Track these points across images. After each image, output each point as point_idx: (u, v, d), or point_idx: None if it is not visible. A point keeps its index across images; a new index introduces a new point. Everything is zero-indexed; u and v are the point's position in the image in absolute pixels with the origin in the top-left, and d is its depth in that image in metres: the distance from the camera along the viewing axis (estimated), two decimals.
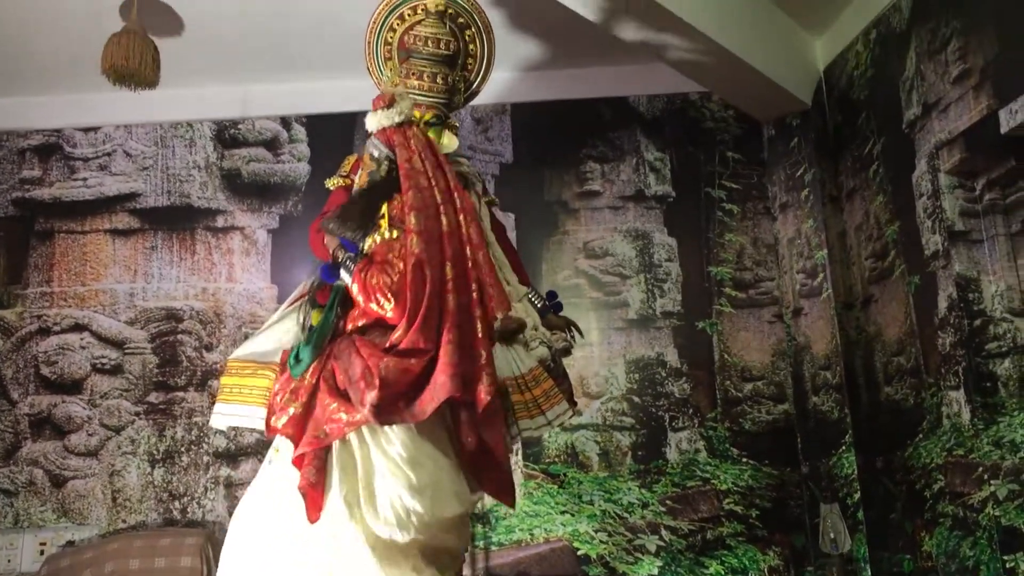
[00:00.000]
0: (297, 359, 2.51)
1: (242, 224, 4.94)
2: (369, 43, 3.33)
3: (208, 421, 4.58)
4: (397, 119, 2.67)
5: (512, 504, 2.67)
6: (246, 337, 3.10)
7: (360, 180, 2.68)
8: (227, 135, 5.04)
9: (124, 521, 4.55)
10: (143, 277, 4.87)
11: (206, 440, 4.64)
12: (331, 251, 2.58)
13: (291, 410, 2.44)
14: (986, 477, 3.29)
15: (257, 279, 4.86)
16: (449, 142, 3.16)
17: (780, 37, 4.42)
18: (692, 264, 4.81)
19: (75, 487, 4.60)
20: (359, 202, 2.62)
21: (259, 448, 4.60)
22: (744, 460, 4.55)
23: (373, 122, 2.68)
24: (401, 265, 2.48)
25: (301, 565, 2.37)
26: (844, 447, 4.12)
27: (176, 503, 4.57)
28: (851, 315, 4.27)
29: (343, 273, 2.53)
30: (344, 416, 2.39)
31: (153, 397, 4.70)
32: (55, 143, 5.05)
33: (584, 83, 4.96)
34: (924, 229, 3.69)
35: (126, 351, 4.76)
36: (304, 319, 2.69)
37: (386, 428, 2.44)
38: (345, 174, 3.26)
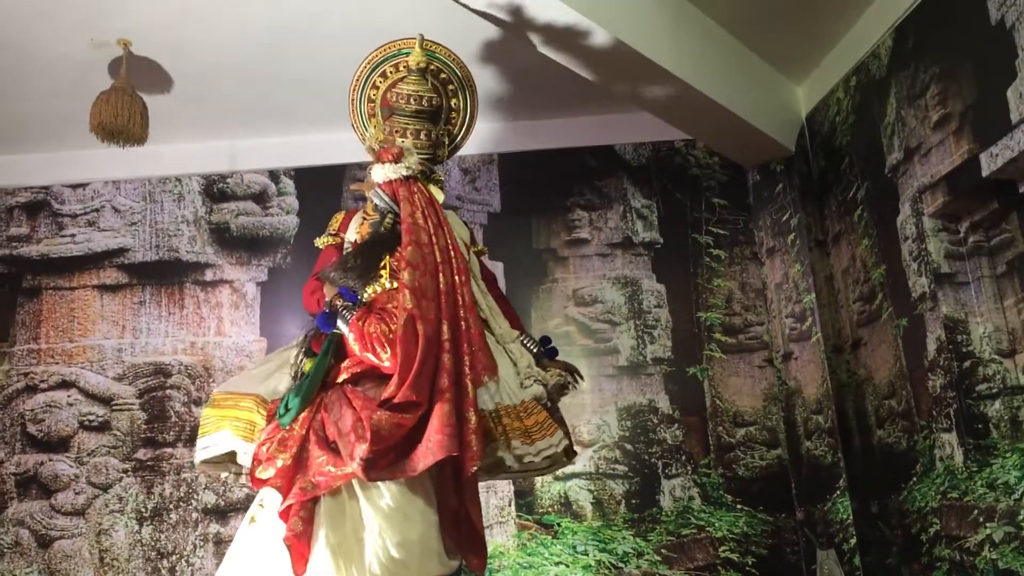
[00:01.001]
0: (286, 408, 2.48)
1: (231, 277, 4.94)
2: (352, 100, 3.39)
3: (198, 476, 4.56)
4: (404, 173, 2.68)
5: (483, 569, 2.62)
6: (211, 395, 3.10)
7: (361, 230, 2.68)
8: (215, 189, 5.06)
9: None
10: (131, 332, 4.84)
11: (195, 496, 4.58)
12: (329, 300, 2.55)
13: (279, 461, 2.41)
14: (981, 520, 3.27)
15: (246, 332, 4.85)
16: (436, 195, 3.19)
17: (762, 84, 4.48)
18: (681, 310, 4.82)
19: (62, 547, 4.53)
20: (362, 252, 2.63)
21: (248, 503, 4.53)
22: (739, 507, 4.52)
23: (380, 174, 2.68)
24: (398, 319, 2.48)
25: None
26: (838, 492, 4.10)
27: (164, 561, 4.50)
28: (841, 358, 4.27)
29: (339, 323, 2.51)
30: (332, 469, 2.36)
31: (141, 454, 4.65)
32: (43, 200, 5.05)
33: (570, 132, 5.01)
34: (910, 272, 3.71)
35: (114, 407, 4.72)
36: (297, 368, 2.67)
37: (381, 485, 2.42)
38: (334, 232, 3.28)
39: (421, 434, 2.38)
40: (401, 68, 3.33)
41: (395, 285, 2.56)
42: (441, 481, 2.52)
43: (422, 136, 3.14)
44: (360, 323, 2.49)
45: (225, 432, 2.83)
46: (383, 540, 2.36)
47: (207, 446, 2.91)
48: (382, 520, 2.39)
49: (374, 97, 3.37)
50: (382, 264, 2.63)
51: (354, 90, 3.40)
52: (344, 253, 2.72)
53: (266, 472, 2.42)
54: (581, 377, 3.09)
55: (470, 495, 2.55)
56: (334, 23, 4.02)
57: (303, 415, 2.49)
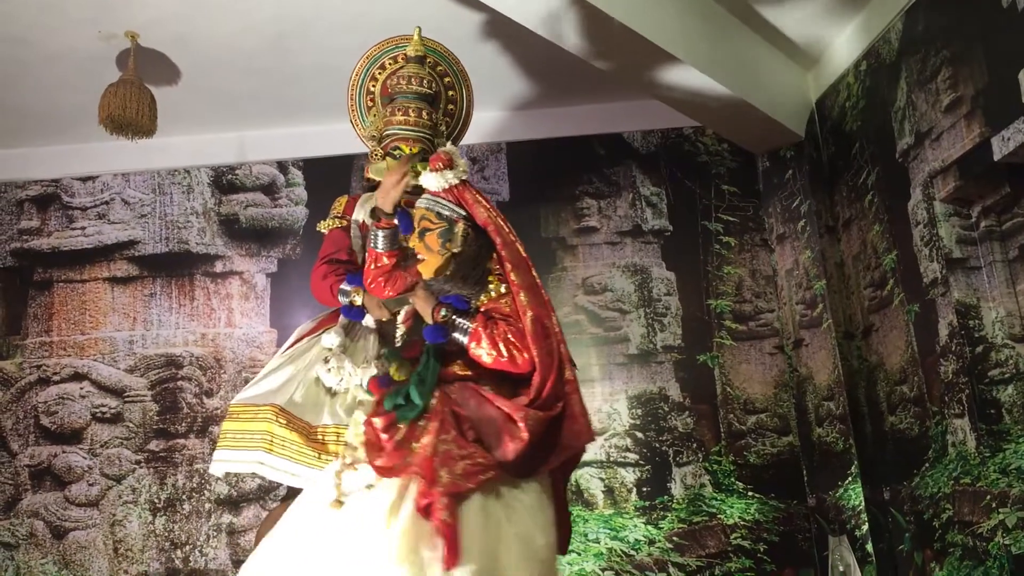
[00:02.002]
0: (407, 401, 2.46)
1: (241, 269, 4.95)
2: (351, 96, 3.46)
3: (209, 468, 4.58)
4: (463, 176, 2.68)
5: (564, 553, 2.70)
6: (246, 382, 3.11)
7: (430, 241, 2.63)
8: (224, 181, 5.07)
9: (126, 572, 4.50)
10: (142, 324, 4.86)
11: (208, 487, 4.61)
12: (432, 311, 2.53)
13: (412, 454, 2.38)
14: (994, 505, 3.26)
15: (256, 323, 4.86)
16: None
17: (771, 70, 4.45)
18: (691, 298, 4.81)
19: (76, 538, 4.56)
20: (470, 262, 2.62)
21: (261, 494, 4.57)
22: (750, 494, 4.52)
23: (438, 181, 2.64)
24: (524, 319, 2.50)
25: None
26: (850, 478, 4.09)
27: (178, 552, 4.53)
28: (852, 345, 4.26)
29: (457, 334, 2.49)
30: (483, 463, 2.36)
31: (154, 445, 4.67)
32: (53, 193, 5.07)
33: (579, 120, 4.99)
34: (922, 257, 3.69)
35: (126, 399, 4.74)
36: (384, 370, 2.64)
37: (520, 483, 2.44)
38: (339, 215, 3.30)
39: (559, 427, 2.45)
40: (400, 59, 3.44)
41: (503, 290, 2.57)
42: (554, 477, 2.58)
43: (423, 115, 3.24)
44: (489, 330, 2.48)
45: (248, 453, 2.86)
46: (527, 544, 2.36)
47: (227, 460, 2.94)
48: (527, 518, 2.40)
49: (373, 89, 3.45)
50: (488, 269, 2.63)
51: (353, 86, 3.47)
52: (453, 263, 2.69)
53: (391, 462, 2.40)
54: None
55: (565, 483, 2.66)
56: (340, 13, 4.02)
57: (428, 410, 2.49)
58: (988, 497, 3.30)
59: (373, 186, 3.39)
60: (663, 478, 4.55)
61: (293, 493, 4.28)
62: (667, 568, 4.39)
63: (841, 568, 3.99)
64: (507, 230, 2.67)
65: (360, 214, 3.31)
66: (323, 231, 3.35)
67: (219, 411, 4.64)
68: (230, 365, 4.78)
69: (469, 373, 2.55)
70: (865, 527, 3.99)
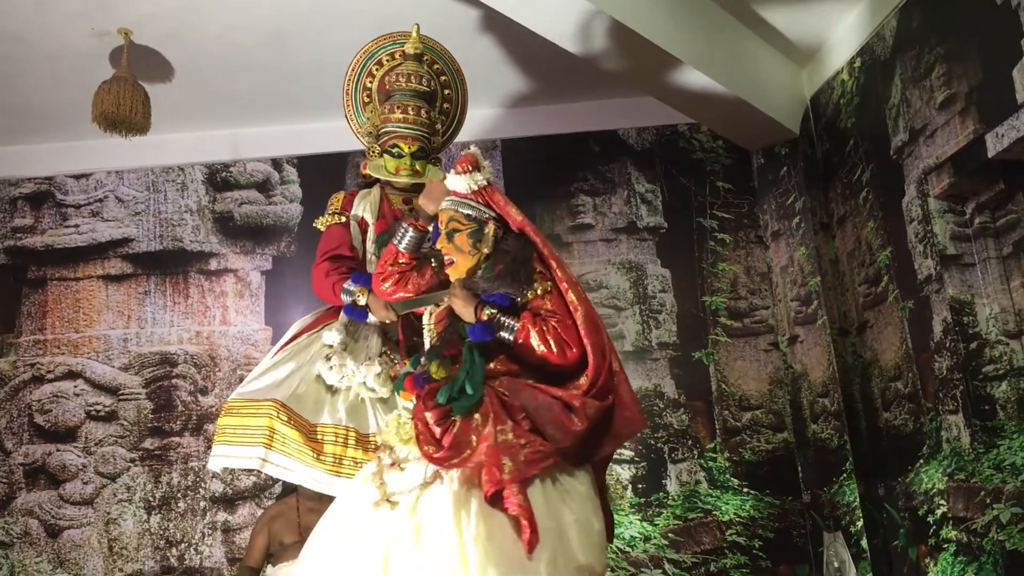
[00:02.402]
0: (460, 393, 2.48)
1: (235, 266, 4.94)
2: (347, 92, 3.47)
3: (206, 464, 4.57)
4: (491, 178, 2.71)
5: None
6: (241, 380, 3.10)
7: (459, 242, 2.66)
8: (219, 178, 5.06)
9: (121, 570, 4.49)
10: (136, 322, 4.85)
11: (203, 485, 4.60)
12: (474, 309, 2.56)
13: (470, 446, 2.41)
14: (988, 501, 3.27)
15: (251, 321, 4.85)
16: (434, 176, 3.26)
17: (766, 67, 4.46)
18: (686, 294, 4.82)
19: (71, 537, 4.55)
20: (518, 261, 2.64)
21: (256, 492, 4.56)
22: (745, 490, 4.52)
23: (466, 183, 2.66)
24: (576, 315, 2.55)
25: None
26: (845, 474, 4.10)
27: (173, 550, 4.52)
28: (847, 341, 4.27)
29: (503, 333, 2.53)
30: (542, 449, 2.41)
31: (148, 443, 4.66)
32: (47, 191, 5.05)
33: (573, 117, 4.99)
34: (916, 254, 3.70)
35: (120, 397, 4.73)
36: (425, 371, 2.65)
37: (575, 471, 2.50)
38: (337, 211, 3.29)
39: (611, 416, 2.54)
40: (397, 56, 3.43)
41: (548, 287, 2.60)
42: (596, 468, 2.64)
43: (422, 113, 3.27)
44: (539, 327, 2.52)
45: (248, 449, 2.84)
46: (586, 529, 2.43)
47: (226, 456, 2.92)
48: (584, 505, 2.46)
49: (370, 85, 3.46)
50: (532, 267, 2.66)
51: (349, 81, 3.47)
52: (498, 264, 2.68)
53: (452, 455, 2.41)
54: None
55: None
56: (335, 10, 4.01)
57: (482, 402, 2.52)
58: (982, 493, 3.31)
59: (369, 182, 3.39)
60: (658, 475, 4.55)
61: (288, 491, 4.30)
62: (662, 564, 4.40)
63: (836, 564, 4.00)
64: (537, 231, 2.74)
65: (360, 210, 3.30)
66: (320, 228, 3.34)
67: (214, 409, 4.63)
68: (225, 363, 4.77)
69: (514, 368, 2.59)
70: (860, 523, 4.00)
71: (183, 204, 5.02)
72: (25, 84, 4.44)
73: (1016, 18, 3.04)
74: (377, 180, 3.35)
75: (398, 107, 3.26)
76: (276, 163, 5.07)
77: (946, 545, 3.52)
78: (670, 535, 4.46)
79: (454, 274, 2.69)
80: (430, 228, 2.82)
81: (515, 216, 2.68)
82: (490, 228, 2.66)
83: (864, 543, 3.97)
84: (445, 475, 2.43)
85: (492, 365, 2.58)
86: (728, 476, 4.55)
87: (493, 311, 2.55)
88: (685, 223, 4.91)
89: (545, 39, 3.76)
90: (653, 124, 5.02)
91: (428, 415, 2.48)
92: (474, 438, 2.42)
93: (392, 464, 2.55)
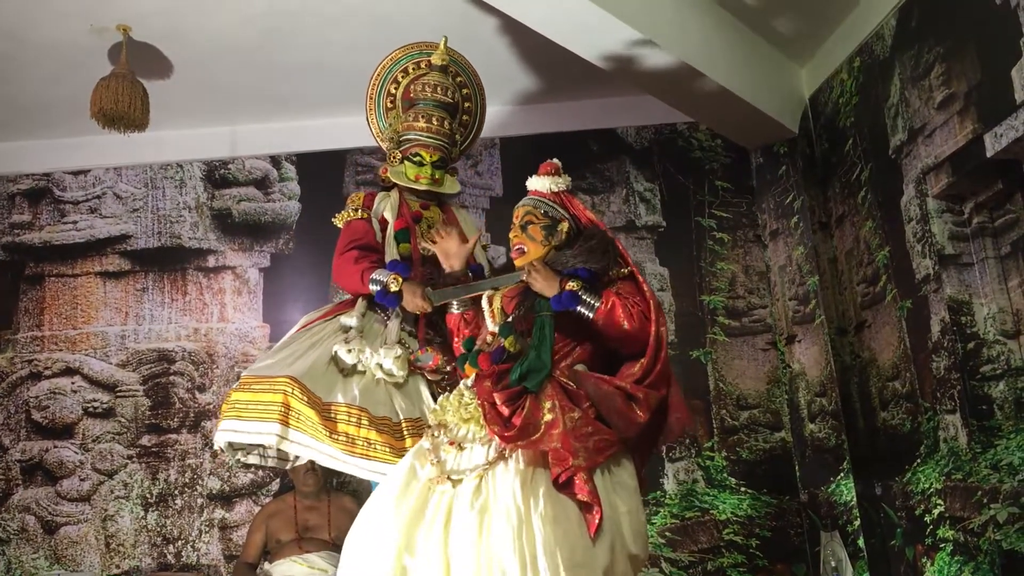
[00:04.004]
0: (529, 370, 2.55)
1: (233, 263, 4.93)
2: (371, 96, 3.51)
3: (203, 462, 4.57)
4: (569, 186, 2.91)
5: None
6: (238, 377, 3.08)
7: (532, 232, 2.81)
8: (217, 175, 5.05)
9: (118, 567, 4.49)
10: (134, 319, 4.85)
11: (200, 482, 4.60)
12: (559, 282, 2.63)
13: (541, 425, 2.46)
14: (985, 501, 3.27)
15: (249, 318, 4.85)
16: (452, 186, 3.43)
17: (765, 66, 4.45)
18: (684, 294, 4.81)
19: (68, 533, 4.55)
20: (604, 240, 2.77)
21: (253, 489, 4.56)
22: (742, 489, 4.52)
23: (548, 184, 2.89)
24: (650, 300, 2.65)
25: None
26: (842, 474, 4.10)
27: (170, 547, 4.52)
28: (845, 341, 4.27)
29: (588, 300, 2.60)
30: (607, 438, 2.49)
31: (146, 440, 4.66)
32: (45, 187, 5.05)
33: (572, 116, 4.99)
34: (914, 253, 3.70)
35: (118, 394, 4.73)
36: (500, 339, 2.72)
37: (624, 463, 2.57)
38: (358, 207, 3.32)
39: (665, 410, 2.62)
40: (423, 66, 3.49)
41: (626, 272, 2.73)
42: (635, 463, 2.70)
43: (445, 124, 3.35)
44: (623, 301, 2.61)
45: (261, 424, 2.83)
46: (636, 520, 2.51)
47: (235, 430, 2.90)
48: (631, 496, 2.53)
49: (394, 92, 3.55)
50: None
51: (373, 87, 3.52)
52: (588, 241, 2.77)
53: (524, 436, 2.45)
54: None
55: None
56: (334, 8, 4.01)
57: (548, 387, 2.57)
58: (979, 493, 3.31)
59: (388, 186, 3.42)
60: (655, 473, 4.55)
61: (286, 488, 4.29)
62: (659, 563, 4.40)
63: (833, 563, 4.00)
64: None
65: (381, 209, 3.33)
66: (339, 224, 3.35)
67: (211, 406, 4.63)
68: (222, 360, 4.77)
69: (581, 352, 2.68)
70: (857, 522, 4.00)
71: (181, 201, 5.02)
72: (24, 80, 4.44)
73: (1015, 18, 3.04)
74: (395, 184, 3.39)
75: (422, 116, 3.33)
76: (275, 160, 5.06)
77: (943, 545, 3.53)
78: (667, 534, 4.46)
79: (521, 263, 2.78)
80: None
81: (593, 218, 2.86)
82: (564, 226, 2.82)
83: (861, 542, 3.97)
84: (510, 457, 2.48)
85: (559, 346, 2.64)
86: (725, 475, 4.55)
87: (578, 284, 2.62)
88: (683, 222, 4.91)
89: (544, 37, 3.76)
90: (652, 123, 5.01)
91: (496, 396, 2.53)
92: (542, 423, 2.48)
93: (451, 443, 2.61)
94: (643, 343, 2.58)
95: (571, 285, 2.61)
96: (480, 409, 2.57)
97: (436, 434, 2.66)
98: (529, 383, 2.54)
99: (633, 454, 2.62)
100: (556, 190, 2.87)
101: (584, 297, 2.60)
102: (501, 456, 2.49)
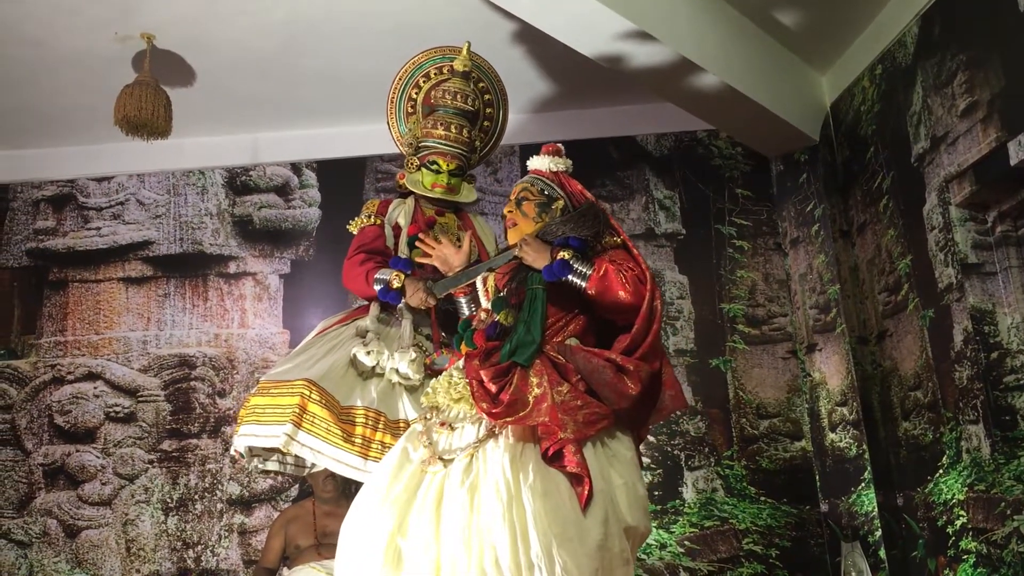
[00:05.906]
0: (528, 335, 2.55)
1: (254, 270, 4.96)
2: (392, 100, 3.50)
3: (223, 467, 4.60)
4: (569, 168, 2.88)
5: None
6: (258, 382, 3.10)
7: (526, 208, 2.80)
8: (238, 182, 5.09)
9: (138, 571, 4.52)
10: (156, 325, 4.88)
11: (220, 487, 4.62)
12: (551, 252, 2.63)
13: (529, 401, 2.45)
14: (1009, 512, 3.23)
15: (270, 324, 4.87)
16: (468, 194, 3.42)
17: (786, 74, 4.44)
18: (704, 302, 4.80)
19: (89, 537, 4.58)
20: (594, 207, 2.77)
21: (272, 495, 4.58)
22: (762, 499, 4.50)
23: (547, 164, 2.86)
24: (644, 267, 2.63)
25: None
26: (863, 484, 4.07)
27: (190, 552, 4.54)
28: (866, 350, 4.24)
29: (572, 277, 2.58)
30: (598, 411, 2.47)
31: (167, 445, 4.69)
32: (69, 193, 5.10)
33: (592, 123, 4.99)
34: (937, 262, 3.67)
35: (139, 399, 4.76)
36: (494, 314, 2.72)
37: (621, 436, 2.55)
38: (372, 213, 3.33)
39: (658, 386, 2.60)
40: (445, 71, 3.47)
41: (618, 241, 2.72)
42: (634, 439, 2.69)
43: (464, 132, 3.33)
44: (616, 267, 2.58)
45: (276, 427, 2.83)
46: (633, 492, 2.48)
47: (253, 434, 2.91)
48: (629, 469, 2.52)
49: (415, 96, 3.51)
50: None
51: (395, 90, 3.51)
52: (572, 213, 2.78)
53: (512, 412, 2.44)
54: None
55: None
56: (353, 16, 4.03)
57: (537, 361, 2.55)
58: (1003, 504, 3.27)
59: (404, 193, 3.43)
60: (675, 482, 4.53)
61: (305, 494, 4.31)
62: (678, 573, 4.38)
63: (853, 574, 3.97)
64: None
65: (396, 215, 3.34)
66: (352, 231, 3.37)
67: (232, 411, 4.66)
68: (243, 366, 4.80)
69: (575, 325, 2.67)
70: (878, 533, 3.96)
71: (203, 207, 5.05)
72: (49, 88, 4.49)
73: None
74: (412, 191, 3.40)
75: (441, 124, 3.31)
76: (295, 167, 5.10)
77: (966, 556, 3.49)
78: (686, 543, 4.44)
79: (514, 237, 2.78)
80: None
81: (589, 197, 2.82)
82: (559, 204, 2.80)
83: (882, 553, 3.94)
84: (500, 434, 2.49)
85: (552, 321, 2.64)
86: (745, 484, 4.53)
87: (564, 253, 2.61)
88: (703, 230, 4.90)
89: (564, 44, 3.76)
90: (672, 130, 5.01)
91: (483, 373, 2.52)
92: (530, 398, 2.46)
93: (442, 424, 2.60)
94: (638, 312, 2.56)
95: (562, 254, 2.59)
96: (469, 388, 2.56)
97: (428, 416, 2.66)
98: (519, 357, 2.52)
99: (630, 428, 2.60)
100: (555, 170, 2.85)
101: (576, 266, 2.58)
102: (491, 434, 2.49)
